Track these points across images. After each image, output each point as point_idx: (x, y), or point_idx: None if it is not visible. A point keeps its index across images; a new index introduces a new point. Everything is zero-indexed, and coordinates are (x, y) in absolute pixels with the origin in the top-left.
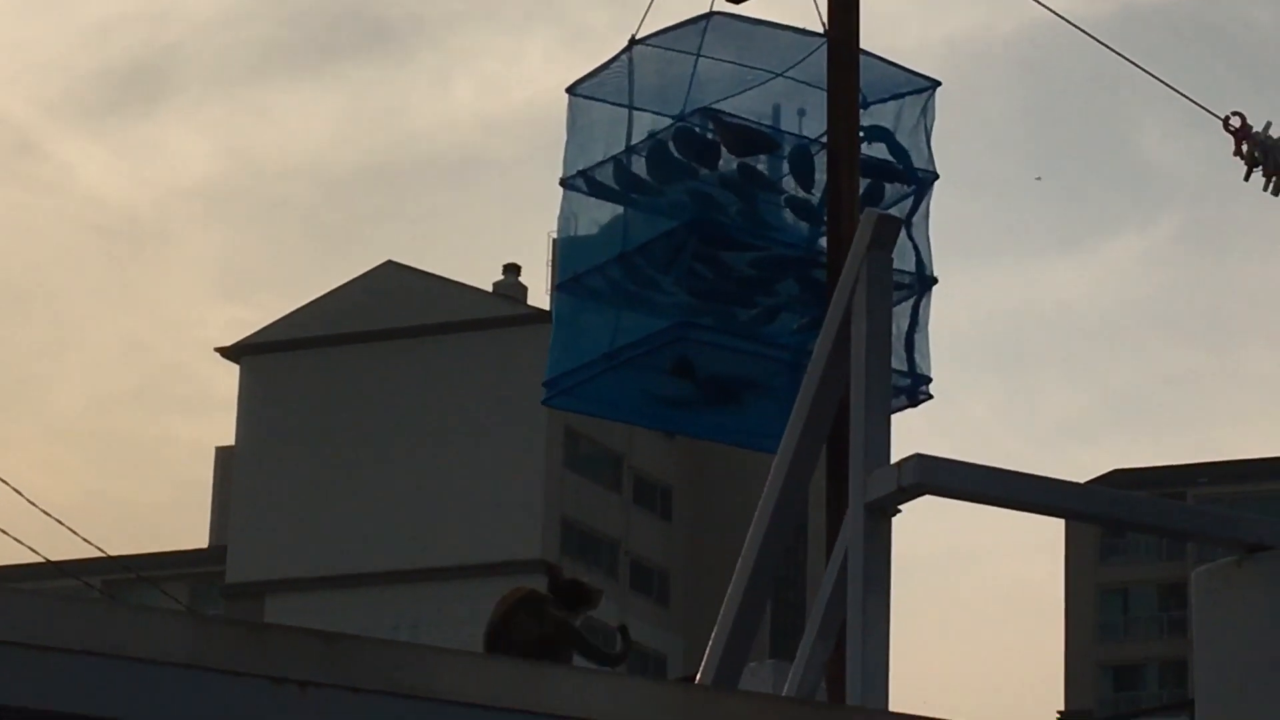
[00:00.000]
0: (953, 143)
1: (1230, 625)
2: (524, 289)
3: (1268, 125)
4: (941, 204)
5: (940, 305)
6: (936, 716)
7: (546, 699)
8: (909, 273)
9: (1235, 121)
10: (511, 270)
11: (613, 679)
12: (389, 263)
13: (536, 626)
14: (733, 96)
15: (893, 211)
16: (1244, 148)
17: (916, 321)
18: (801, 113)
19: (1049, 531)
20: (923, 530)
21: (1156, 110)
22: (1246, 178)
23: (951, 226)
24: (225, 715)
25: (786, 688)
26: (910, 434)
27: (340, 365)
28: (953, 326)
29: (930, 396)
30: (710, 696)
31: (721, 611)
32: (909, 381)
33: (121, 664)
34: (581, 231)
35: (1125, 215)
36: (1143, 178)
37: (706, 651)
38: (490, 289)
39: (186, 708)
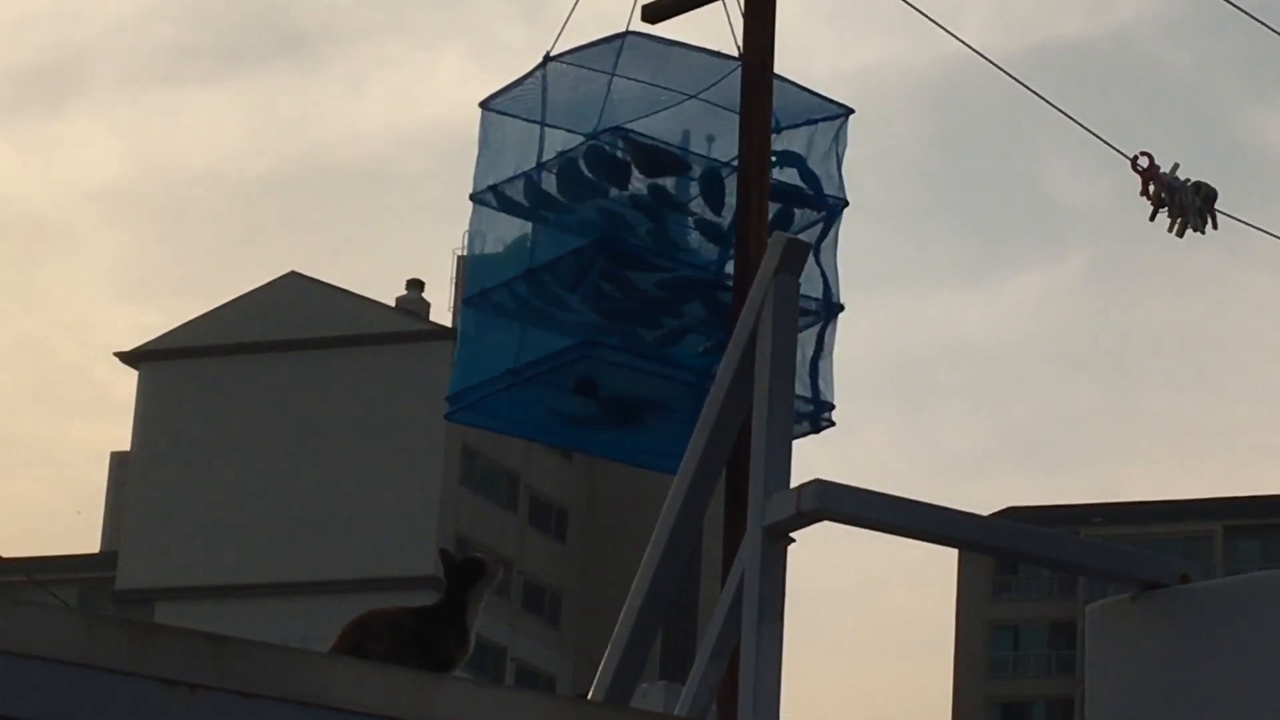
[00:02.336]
0: (863, 171)
1: (1123, 662)
2: (427, 305)
3: (1175, 166)
4: (850, 232)
5: (845, 333)
6: None
7: (439, 710)
8: (816, 299)
9: (1143, 161)
10: (415, 286)
11: (507, 692)
12: (292, 273)
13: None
14: (646, 117)
15: (801, 237)
16: (1151, 188)
17: (822, 348)
18: (711, 139)
19: (941, 566)
20: (817, 561)
21: (1066, 147)
22: (1152, 218)
23: (859, 255)
24: (114, 715)
25: (678, 708)
26: (808, 462)
27: (239, 375)
28: (856, 355)
29: (832, 423)
30: (603, 713)
31: (615, 630)
32: (812, 408)
33: (12, 660)
34: (489, 247)
35: (1031, 251)
36: (1050, 214)
37: (599, 670)
38: (393, 304)
39: (76, 706)
